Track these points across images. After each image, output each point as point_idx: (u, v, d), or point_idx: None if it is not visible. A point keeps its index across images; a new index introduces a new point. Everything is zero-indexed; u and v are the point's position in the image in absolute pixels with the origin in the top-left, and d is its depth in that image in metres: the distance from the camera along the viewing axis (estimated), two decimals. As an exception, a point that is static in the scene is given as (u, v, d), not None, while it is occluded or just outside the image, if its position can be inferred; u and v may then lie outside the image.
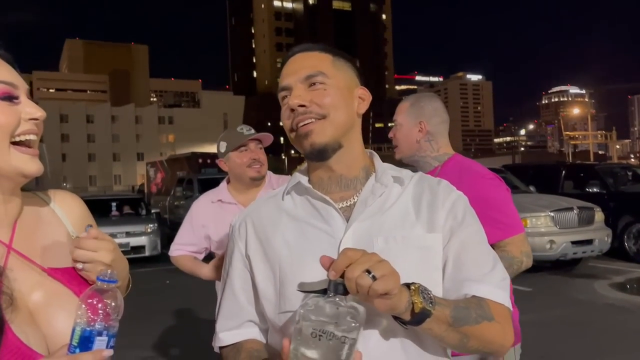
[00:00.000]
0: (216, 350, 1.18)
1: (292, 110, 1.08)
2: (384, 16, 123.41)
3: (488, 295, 1.01)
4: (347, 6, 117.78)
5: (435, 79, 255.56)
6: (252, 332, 1.14)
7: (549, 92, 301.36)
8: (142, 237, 10.60)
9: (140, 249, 10.51)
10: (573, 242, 7.95)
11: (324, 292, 0.86)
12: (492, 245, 1.14)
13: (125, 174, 78.39)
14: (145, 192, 24.13)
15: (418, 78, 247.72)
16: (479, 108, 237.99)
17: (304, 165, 1.19)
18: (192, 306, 6.56)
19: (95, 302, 0.84)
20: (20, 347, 0.87)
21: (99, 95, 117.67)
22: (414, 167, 2.07)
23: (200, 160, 19.16)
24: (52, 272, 0.98)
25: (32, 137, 0.97)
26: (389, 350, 1.00)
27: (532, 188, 9.55)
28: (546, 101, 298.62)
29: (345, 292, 0.85)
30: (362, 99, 1.14)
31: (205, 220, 2.52)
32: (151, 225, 10.89)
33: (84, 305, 0.83)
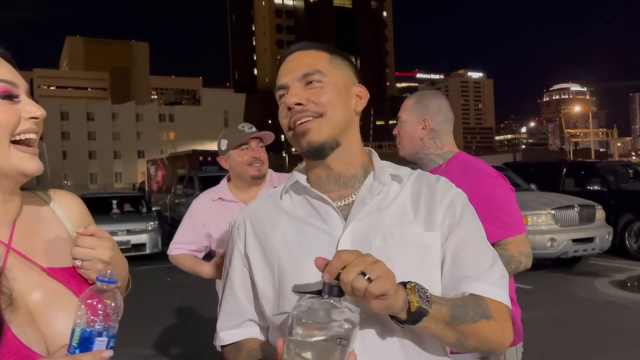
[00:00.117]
0: (218, 349, 1.19)
1: (290, 109, 1.08)
2: (384, 13, 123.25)
3: (486, 293, 1.00)
4: (347, 3, 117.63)
5: (436, 76, 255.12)
6: (252, 331, 1.14)
7: (550, 89, 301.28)
8: (143, 235, 10.61)
9: (141, 246, 10.53)
10: (574, 240, 7.95)
11: (319, 293, 0.85)
12: (493, 244, 1.14)
13: (125, 171, 78.45)
14: (146, 189, 24.14)
15: (419, 76, 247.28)
16: (480, 106, 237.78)
17: (304, 163, 1.19)
18: (192, 304, 6.56)
19: (95, 303, 0.83)
20: (19, 347, 0.87)
21: (99, 93, 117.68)
22: (418, 165, 2.06)
23: (200, 158, 19.16)
24: (51, 272, 0.98)
25: (32, 136, 0.97)
26: (388, 349, 0.99)
27: (533, 186, 9.54)
28: (547, 99, 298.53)
29: (340, 294, 0.84)
30: (359, 96, 1.13)
31: (205, 218, 2.51)
32: (152, 223, 10.91)
33: (83, 306, 0.83)
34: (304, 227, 1.08)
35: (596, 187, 9.84)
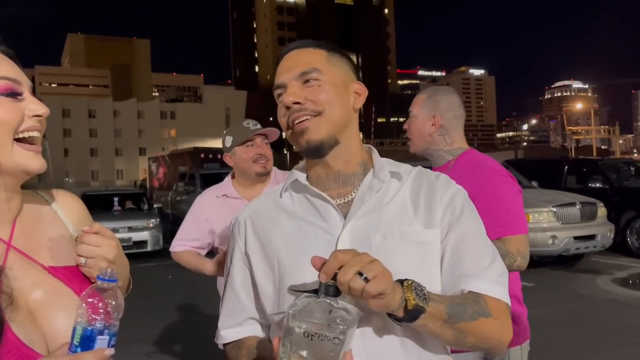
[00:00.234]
0: (220, 347, 1.19)
1: (288, 107, 1.08)
2: (386, 10, 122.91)
3: (485, 291, 1.00)
4: (349, 0, 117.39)
5: (438, 73, 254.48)
6: (253, 329, 1.15)
7: (552, 86, 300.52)
8: (144, 232, 10.62)
9: (142, 244, 10.53)
10: (575, 238, 7.94)
11: (315, 292, 0.85)
12: (491, 241, 1.13)
13: (127, 168, 78.57)
14: (148, 187, 24.19)
15: (420, 73, 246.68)
16: (481, 103, 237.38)
17: (303, 162, 1.19)
18: (194, 301, 6.57)
19: (95, 301, 0.83)
20: (20, 346, 0.87)
21: (101, 90, 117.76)
22: (428, 161, 2.05)
23: (202, 155, 19.19)
24: (52, 271, 0.97)
25: (35, 134, 0.97)
26: (388, 347, 0.99)
27: (534, 183, 9.53)
28: (549, 96, 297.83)
29: (337, 294, 0.84)
30: (358, 94, 1.13)
31: (209, 214, 2.50)
32: (153, 220, 10.91)
33: (84, 305, 0.83)
34: (303, 225, 1.08)
35: (598, 185, 9.83)
